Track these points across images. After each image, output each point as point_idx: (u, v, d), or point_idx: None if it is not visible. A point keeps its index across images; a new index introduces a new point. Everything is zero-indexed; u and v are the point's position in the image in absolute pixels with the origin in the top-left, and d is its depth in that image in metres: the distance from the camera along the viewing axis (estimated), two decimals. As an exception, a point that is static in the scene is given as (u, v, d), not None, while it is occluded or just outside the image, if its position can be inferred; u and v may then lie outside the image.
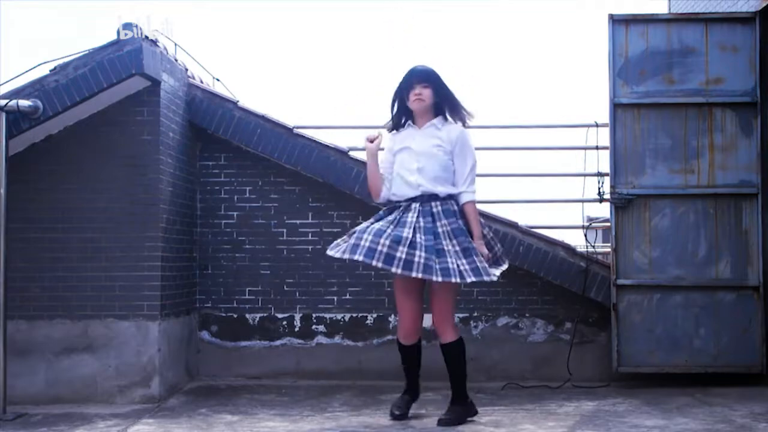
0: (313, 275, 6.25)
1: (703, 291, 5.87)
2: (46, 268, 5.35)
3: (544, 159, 9.50)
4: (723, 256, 5.88)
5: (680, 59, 5.94)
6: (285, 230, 6.28)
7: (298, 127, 6.18)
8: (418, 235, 4.50)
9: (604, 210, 6.31)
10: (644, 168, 5.93)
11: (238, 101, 6.18)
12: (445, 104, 4.77)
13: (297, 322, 6.24)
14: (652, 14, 6.10)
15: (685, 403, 5.26)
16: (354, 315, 6.20)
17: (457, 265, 4.46)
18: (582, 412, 5.04)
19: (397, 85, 4.78)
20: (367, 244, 4.45)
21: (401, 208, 4.66)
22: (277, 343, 6.23)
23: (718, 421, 4.72)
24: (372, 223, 4.62)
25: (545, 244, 6.08)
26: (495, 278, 4.60)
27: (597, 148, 6.25)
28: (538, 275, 6.09)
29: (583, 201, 6.29)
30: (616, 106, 5.94)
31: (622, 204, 5.91)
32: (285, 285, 6.24)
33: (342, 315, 6.23)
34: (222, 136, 6.13)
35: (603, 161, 6.16)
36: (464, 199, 4.73)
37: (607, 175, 6.03)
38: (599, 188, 6.12)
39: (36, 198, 5.38)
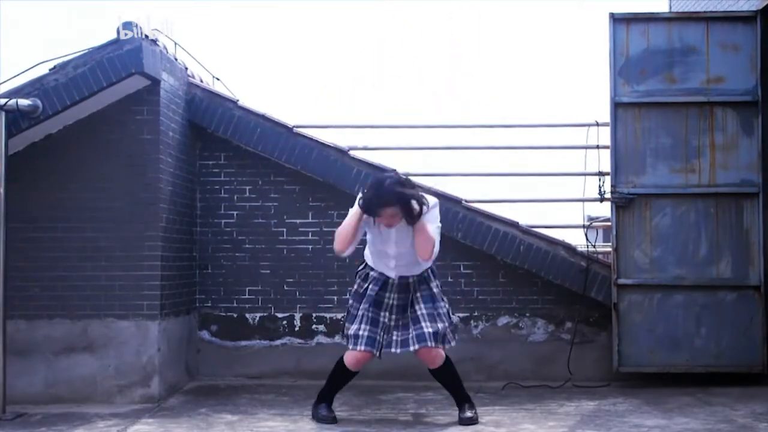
0: (314, 275, 6.24)
1: (704, 290, 5.86)
2: (46, 267, 5.34)
3: (544, 158, 9.49)
4: (724, 256, 5.87)
5: (681, 58, 5.93)
6: (285, 229, 6.27)
7: (298, 127, 6.17)
8: (393, 317, 4.71)
9: (604, 209, 6.30)
10: (645, 167, 5.92)
11: (238, 100, 6.17)
12: (411, 213, 4.57)
13: (297, 322, 6.24)
14: (653, 13, 6.09)
15: (685, 402, 5.25)
16: (354, 314, 6.18)
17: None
18: (582, 411, 5.03)
19: (367, 193, 4.55)
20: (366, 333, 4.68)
21: (380, 283, 4.72)
22: (277, 342, 6.22)
23: (719, 420, 4.71)
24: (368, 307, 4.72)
25: (546, 244, 6.07)
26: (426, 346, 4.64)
27: (598, 147, 6.24)
28: (538, 275, 6.08)
29: (583, 200, 6.28)
30: (617, 105, 5.93)
31: (622, 203, 5.90)
32: (285, 284, 6.23)
33: (342, 315, 6.20)
34: (222, 135, 6.12)
35: (604, 160, 6.15)
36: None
37: (607, 174, 6.02)
38: (600, 187, 6.11)
39: (35, 197, 5.36)
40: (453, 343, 4.76)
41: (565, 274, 6.04)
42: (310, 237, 6.26)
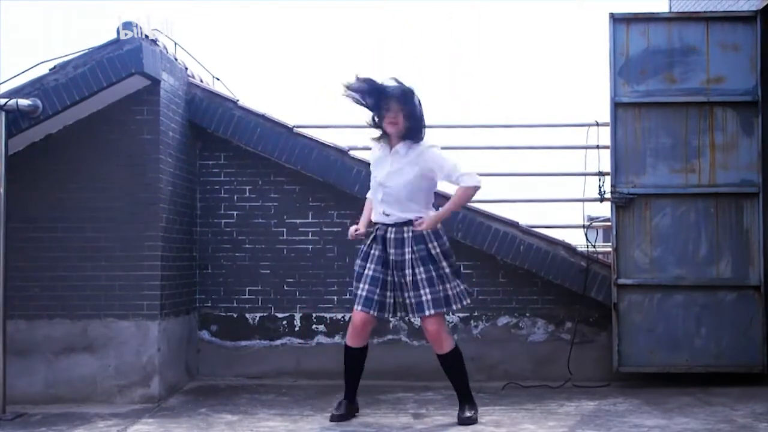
0: (313, 275, 6.24)
1: (704, 290, 5.86)
2: (46, 267, 5.34)
3: (544, 158, 9.51)
4: (724, 256, 5.87)
5: (681, 58, 5.93)
6: (285, 229, 6.27)
7: (298, 127, 6.17)
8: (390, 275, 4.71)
9: (604, 209, 6.30)
10: (645, 167, 5.92)
11: (237, 100, 6.17)
12: (413, 128, 4.70)
13: (297, 322, 6.23)
14: (653, 13, 6.09)
15: (685, 402, 5.25)
16: (354, 314, 6.18)
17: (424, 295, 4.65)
18: (582, 411, 5.03)
19: (370, 95, 4.69)
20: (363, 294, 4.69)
21: (376, 239, 4.75)
22: (277, 342, 6.22)
23: (719, 420, 4.71)
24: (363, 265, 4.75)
25: (546, 244, 6.07)
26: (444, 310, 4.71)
27: (598, 147, 6.24)
28: (538, 275, 6.08)
29: (583, 200, 6.28)
30: (616, 105, 5.93)
31: (622, 203, 5.90)
32: (285, 284, 6.23)
33: (342, 314, 6.22)
34: (222, 135, 6.12)
35: (604, 160, 6.15)
36: (459, 183, 4.74)
37: (607, 174, 6.02)
38: (600, 187, 6.10)
39: (35, 197, 5.36)
40: (466, 302, 4.76)
41: (565, 274, 6.03)
42: (310, 237, 6.26)
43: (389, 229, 4.71)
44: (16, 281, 5.23)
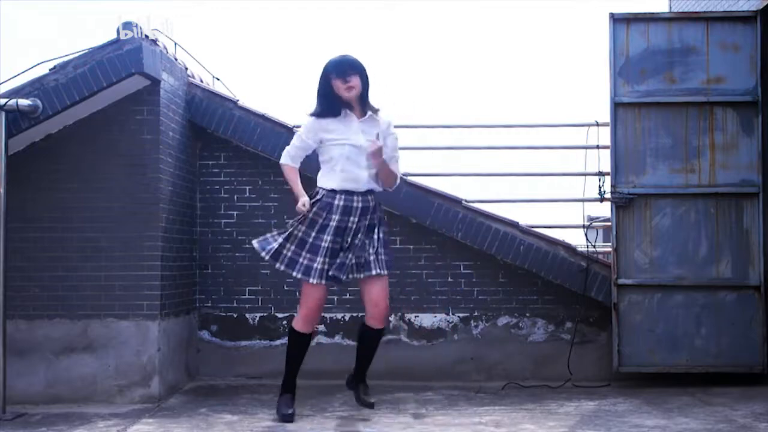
0: (313, 275, 6.22)
1: (704, 290, 5.86)
2: (46, 267, 5.34)
3: (544, 158, 9.48)
4: (724, 256, 5.87)
5: (681, 58, 5.92)
6: (285, 230, 6.25)
7: (297, 126, 6.15)
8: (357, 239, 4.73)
9: (604, 209, 6.30)
10: (645, 167, 5.92)
11: (237, 100, 6.17)
12: (367, 88, 4.81)
13: (297, 322, 6.22)
14: (653, 13, 6.09)
15: (685, 402, 5.25)
16: (354, 314, 6.18)
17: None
18: (582, 412, 5.03)
19: (324, 71, 4.75)
20: (319, 266, 4.65)
21: (333, 208, 4.68)
22: (277, 342, 6.22)
23: (719, 421, 4.71)
24: (320, 235, 4.67)
25: (546, 244, 6.07)
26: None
27: (598, 147, 6.24)
28: (538, 275, 6.08)
29: (583, 200, 6.28)
30: (616, 105, 5.93)
31: (622, 203, 5.90)
32: (285, 284, 6.23)
33: (342, 314, 6.22)
34: (222, 135, 6.12)
35: (604, 160, 6.15)
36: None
37: (607, 174, 6.01)
38: (600, 187, 6.10)
39: (35, 197, 5.36)
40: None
41: (565, 274, 6.03)
42: (310, 237, 6.24)
43: (356, 198, 4.71)
44: (16, 281, 5.23)
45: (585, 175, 6.23)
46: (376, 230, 4.78)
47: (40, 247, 5.35)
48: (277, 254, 4.69)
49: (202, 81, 6.39)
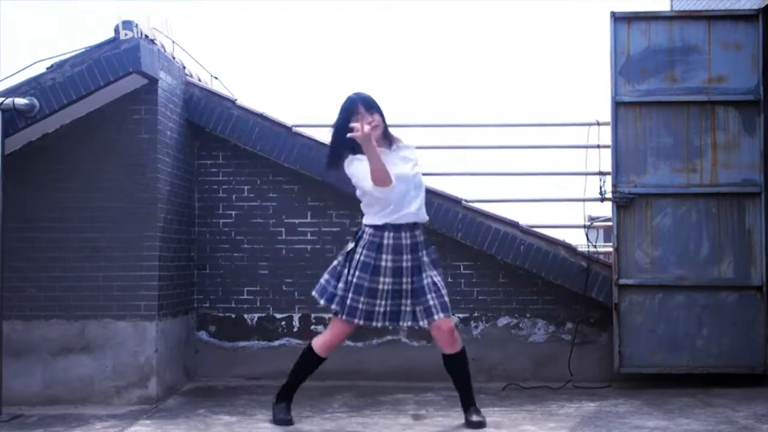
0: (312, 275, 6.18)
1: (706, 291, 5.83)
2: (43, 267, 5.32)
3: (545, 158, 9.47)
4: (725, 256, 5.84)
5: (682, 57, 5.90)
6: (283, 229, 6.24)
7: (297, 126, 6.14)
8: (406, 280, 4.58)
9: (605, 209, 6.28)
10: (646, 167, 5.89)
11: (236, 99, 6.14)
12: (386, 125, 4.66)
13: (296, 323, 6.20)
14: (655, 12, 6.06)
15: (686, 403, 5.22)
16: (353, 315, 6.14)
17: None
18: (583, 413, 5.01)
19: (341, 115, 4.61)
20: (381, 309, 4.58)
21: (383, 247, 4.55)
22: (276, 343, 6.19)
23: (721, 422, 4.69)
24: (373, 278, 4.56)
25: (546, 244, 6.04)
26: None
27: (598, 146, 6.21)
28: (539, 275, 6.05)
29: (584, 200, 6.25)
30: (617, 105, 5.90)
31: (623, 203, 5.87)
32: (284, 285, 6.20)
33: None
34: (220, 134, 6.09)
35: (604, 160, 6.13)
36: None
37: (608, 174, 5.99)
38: (601, 187, 6.07)
39: (33, 197, 5.34)
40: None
41: (565, 275, 6.01)
42: (308, 237, 6.23)
43: (404, 235, 4.55)
44: (13, 281, 5.20)
45: (586, 174, 6.20)
46: (430, 270, 4.59)
47: (37, 247, 5.33)
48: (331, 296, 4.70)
49: (200, 80, 6.37)
